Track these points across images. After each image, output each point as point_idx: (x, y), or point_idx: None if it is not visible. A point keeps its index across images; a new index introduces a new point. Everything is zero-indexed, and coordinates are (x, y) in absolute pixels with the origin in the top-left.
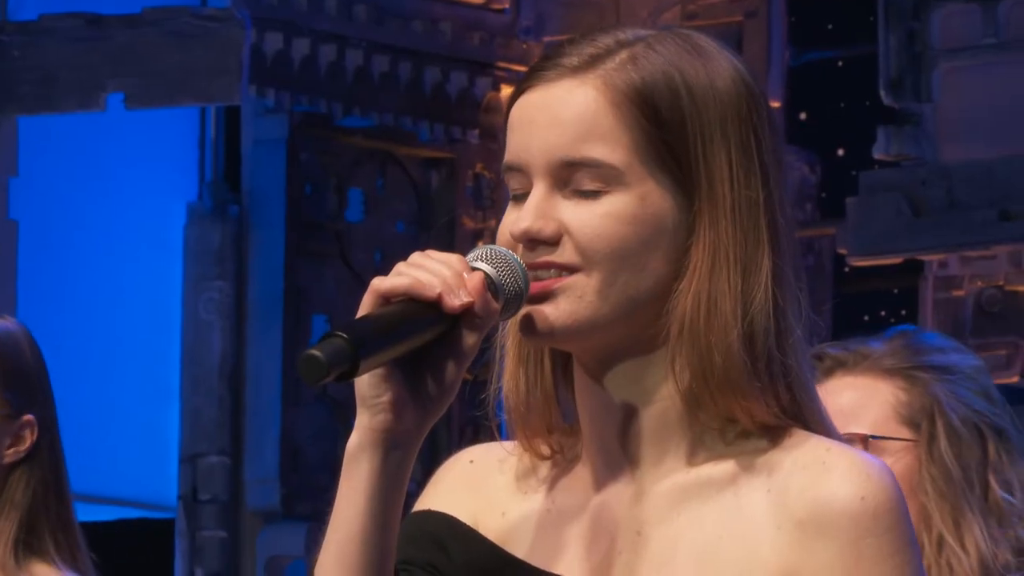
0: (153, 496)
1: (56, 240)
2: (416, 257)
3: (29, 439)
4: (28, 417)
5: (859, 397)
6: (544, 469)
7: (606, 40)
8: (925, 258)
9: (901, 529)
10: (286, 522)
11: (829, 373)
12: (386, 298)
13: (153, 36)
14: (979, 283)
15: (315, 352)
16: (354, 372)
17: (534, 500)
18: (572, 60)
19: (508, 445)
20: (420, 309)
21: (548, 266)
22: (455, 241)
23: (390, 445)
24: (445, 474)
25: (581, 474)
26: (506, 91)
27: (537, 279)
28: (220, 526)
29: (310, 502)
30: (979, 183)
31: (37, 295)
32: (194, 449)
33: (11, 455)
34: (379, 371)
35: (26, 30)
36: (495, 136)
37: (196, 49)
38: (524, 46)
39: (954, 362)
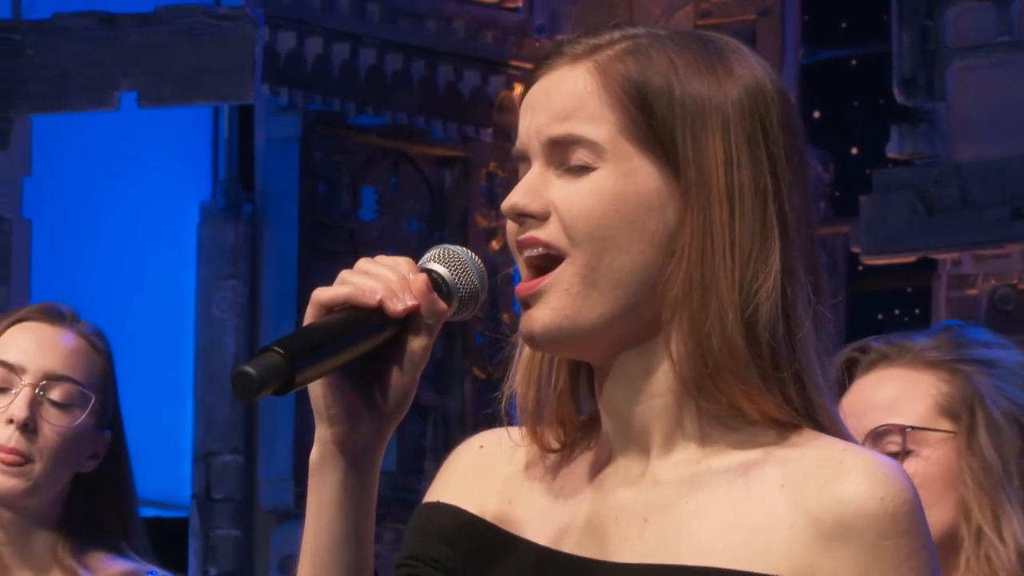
0: (167, 495)
1: (69, 239)
2: (362, 263)
3: (103, 452)
4: (108, 434)
5: (901, 389)
6: (553, 457)
7: (613, 33)
8: (938, 256)
9: (919, 531)
10: (299, 521)
11: (872, 366)
12: (328, 308)
13: (166, 35)
14: (992, 281)
15: (247, 368)
16: (291, 386)
17: (541, 487)
18: (575, 49)
19: (517, 434)
20: (363, 316)
21: (534, 242)
22: (468, 240)
23: (350, 455)
24: (455, 461)
25: (590, 462)
26: (519, 89)
27: (527, 261)
28: (234, 525)
29: None
30: (992, 181)
31: (50, 294)
32: (208, 448)
33: (88, 465)
34: (329, 382)
35: (39, 29)
36: (508, 135)
37: (209, 48)
38: (537, 44)
39: (998, 356)
